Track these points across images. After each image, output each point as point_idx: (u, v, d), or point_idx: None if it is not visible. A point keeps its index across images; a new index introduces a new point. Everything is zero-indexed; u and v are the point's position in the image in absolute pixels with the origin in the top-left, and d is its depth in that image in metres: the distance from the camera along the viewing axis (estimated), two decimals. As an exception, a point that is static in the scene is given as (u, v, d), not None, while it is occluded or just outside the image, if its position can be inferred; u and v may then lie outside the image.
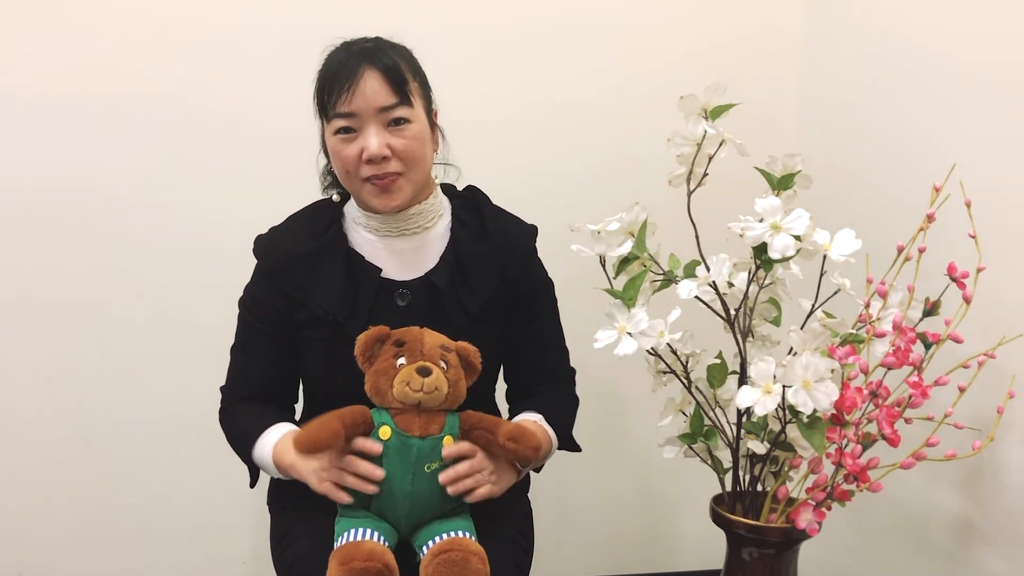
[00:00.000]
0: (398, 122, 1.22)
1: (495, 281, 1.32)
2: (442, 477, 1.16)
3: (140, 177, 1.77)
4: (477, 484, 1.18)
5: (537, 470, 1.35)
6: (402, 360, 1.17)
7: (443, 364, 1.18)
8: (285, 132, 1.50)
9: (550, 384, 1.41)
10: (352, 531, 1.14)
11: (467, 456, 1.19)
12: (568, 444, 1.41)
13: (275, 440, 1.24)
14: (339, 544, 1.13)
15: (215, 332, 1.45)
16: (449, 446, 1.17)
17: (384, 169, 1.23)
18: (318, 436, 1.11)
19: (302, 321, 1.29)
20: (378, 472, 1.15)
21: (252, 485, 1.36)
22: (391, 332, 1.20)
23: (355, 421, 1.16)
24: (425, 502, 1.17)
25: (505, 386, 1.44)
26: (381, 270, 1.29)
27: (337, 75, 1.21)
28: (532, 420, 1.30)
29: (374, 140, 1.21)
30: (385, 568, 1.08)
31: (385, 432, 1.16)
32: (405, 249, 1.32)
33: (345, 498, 1.17)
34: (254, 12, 1.75)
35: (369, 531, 1.14)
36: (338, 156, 1.24)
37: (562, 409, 1.40)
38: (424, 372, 1.16)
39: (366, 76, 1.20)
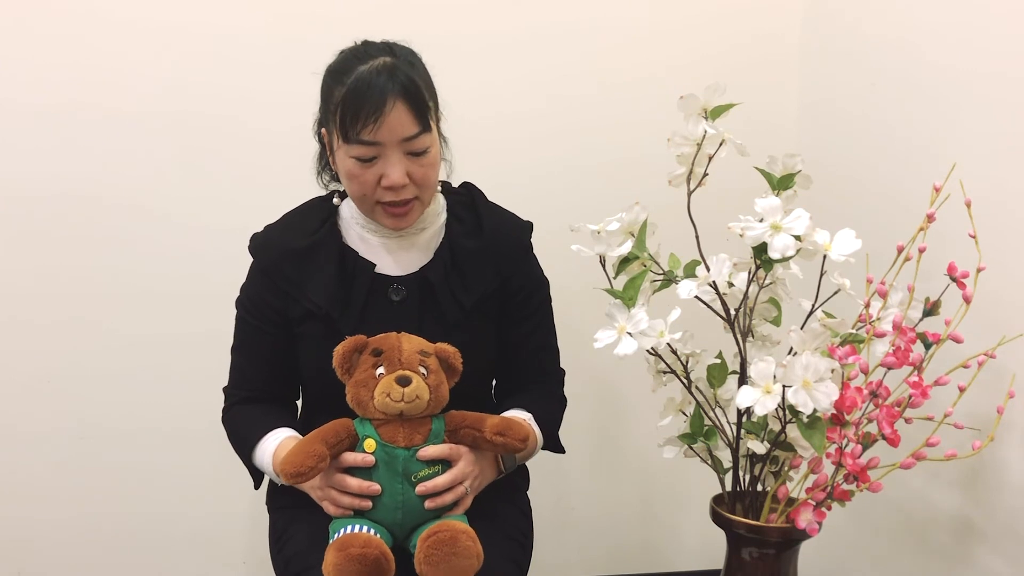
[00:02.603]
0: (419, 151, 1.21)
1: (490, 277, 1.32)
2: (419, 489, 1.16)
3: (140, 183, 1.77)
4: (456, 497, 1.18)
5: (511, 469, 1.35)
6: (381, 370, 1.17)
7: (423, 370, 1.17)
8: (287, 136, 1.50)
9: (539, 383, 1.40)
10: (348, 526, 1.14)
11: (447, 459, 1.19)
12: (552, 444, 1.40)
13: (272, 449, 1.24)
14: (335, 537, 1.13)
15: (214, 336, 1.46)
16: (427, 449, 1.17)
17: (402, 196, 1.22)
18: (302, 462, 1.11)
19: (296, 317, 1.29)
20: (373, 487, 1.15)
21: (256, 487, 1.37)
22: (368, 341, 1.20)
23: (338, 437, 1.16)
24: (417, 511, 1.17)
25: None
26: (375, 265, 1.30)
27: (363, 101, 1.16)
28: (520, 418, 1.30)
29: (396, 170, 1.20)
30: (382, 556, 1.08)
31: (370, 445, 1.16)
32: (400, 246, 1.32)
33: (347, 513, 1.17)
34: (254, 18, 1.75)
35: (365, 527, 1.14)
36: (354, 179, 1.22)
37: (549, 409, 1.39)
38: (403, 381, 1.15)
39: (394, 108, 1.17)
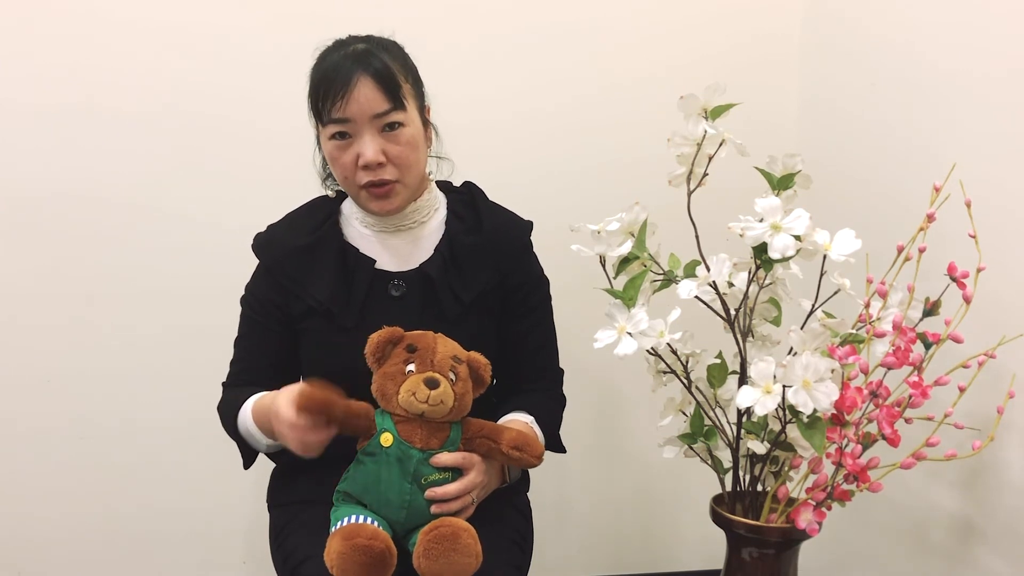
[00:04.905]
0: (392, 127, 1.22)
1: (489, 273, 1.32)
2: (428, 493, 1.15)
3: (140, 183, 1.77)
4: (462, 506, 1.18)
5: (515, 479, 1.36)
6: (411, 367, 1.16)
7: (452, 376, 1.17)
8: (287, 135, 1.50)
9: (538, 382, 1.40)
10: (352, 516, 1.14)
11: (460, 468, 1.18)
12: (553, 445, 1.40)
13: (251, 404, 1.24)
14: (339, 526, 1.12)
15: (214, 335, 1.46)
16: (441, 456, 1.17)
17: (380, 175, 1.23)
18: (314, 396, 1.06)
19: (298, 314, 1.30)
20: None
21: (246, 467, 1.36)
22: (404, 335, 1.19)
23: (356, 413, 1.13)
24: (421, 513, 1.16)
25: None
26: (375, 261, 1.30)
27: (331, 81, 1.20)
28: (523, 421, 1.30)
29: (369, 148, 1.21)
30: (387, 550, 1.08)
31: (387, 439, 1.16)
32: (400, 243, 1.33)
33: (317, 449, 1.12)
34: (254, 18, 1.75)
35: (369, 518, 1.14)
36: (335, 162, 1.25)
37: (550, 410, 1.39)
38: (432, 384, 1.14)
39: (360, 83, 1.20)
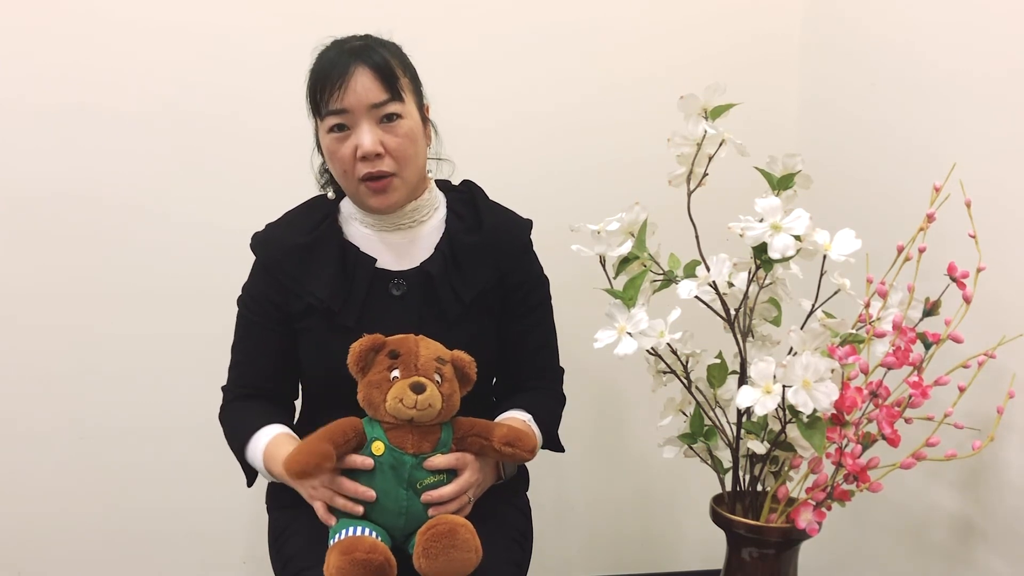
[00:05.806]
0: (390, 118, 1.23)
1: (489, 271, 1.32)
2: (424, 497, 1.15)
3: (140, 183, 1.77)
4: (460, 507, 1.18)
5: (511, 475, 1.36)
6: (396, 373, 1.16)
7: (438, 378, 1.16)
8: (287, 135, 1.50)
9: (538, 381, 1.40)
10: (351, 528, 1.13)
11: (455, 469, 1.18)
12: (552, 444, 1.40)
13: (264, 444, 1.24)
14: (337, 539, 1.12)
15: (214, 335, 1.45)
16: (435, 459, 1.16)
17: (378, 167, 1.23)
18: (308, 461, 1.09)
19: (298, 313, 1.30)
20: (369, 493, 1.14)
21: (249, 484, 1.36)
22: (386, 341, 1.19)
23: (346, 437, 1.14)
24: (419, 517, 1.16)
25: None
26: (375, 260, 1.30)
27: (328, 73, 1.21)
28: (520, 420, 1.30)
29: (367, 137, 1.21)
30: (386, 562, 1.08)
31: (378, 448, 1.15)
32: (400, 242, 1.32)
33: (332, 519, 1.16)
34: (254, 18, 1.75)
35: (368, 529, 1.14)
36: (333, 156, 1.25)
37: (549, 409, 1.39)
38: (418, 389, 1.13)
39: (357, 73, 1.20)
